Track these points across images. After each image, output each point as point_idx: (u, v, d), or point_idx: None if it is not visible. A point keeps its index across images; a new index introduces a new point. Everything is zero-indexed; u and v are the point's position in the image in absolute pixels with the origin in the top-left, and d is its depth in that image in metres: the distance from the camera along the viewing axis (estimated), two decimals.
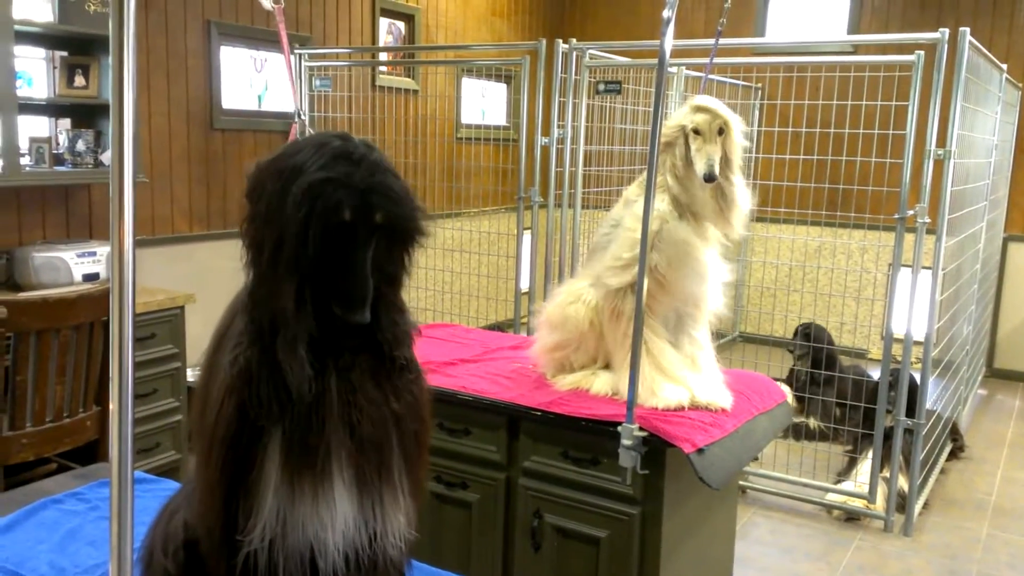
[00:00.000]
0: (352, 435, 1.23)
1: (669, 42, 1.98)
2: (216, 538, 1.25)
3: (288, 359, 1.18)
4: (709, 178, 2.20)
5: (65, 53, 3.72)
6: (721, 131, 2.25)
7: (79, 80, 3.68)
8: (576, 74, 4.26)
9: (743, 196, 2.31)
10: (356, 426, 1.22)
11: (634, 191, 2.42)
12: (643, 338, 2.14)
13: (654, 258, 2.22)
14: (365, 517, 1.25)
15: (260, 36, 4.74)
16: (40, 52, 3.79)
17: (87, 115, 3.77)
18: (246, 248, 1.21)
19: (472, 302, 5.14)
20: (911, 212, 3.53)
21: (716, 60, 2.80)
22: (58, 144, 3.73)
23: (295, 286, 1.17)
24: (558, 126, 4.24)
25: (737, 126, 2.28)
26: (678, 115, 2.32)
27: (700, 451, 2.12)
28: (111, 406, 0.99)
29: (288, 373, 1.18)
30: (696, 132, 2.24)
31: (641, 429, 2.09)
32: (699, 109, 2.26)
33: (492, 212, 5.96)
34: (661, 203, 2.28)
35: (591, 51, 4.33)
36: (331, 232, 1.15)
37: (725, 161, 2.27)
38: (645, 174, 2.07)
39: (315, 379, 1.20)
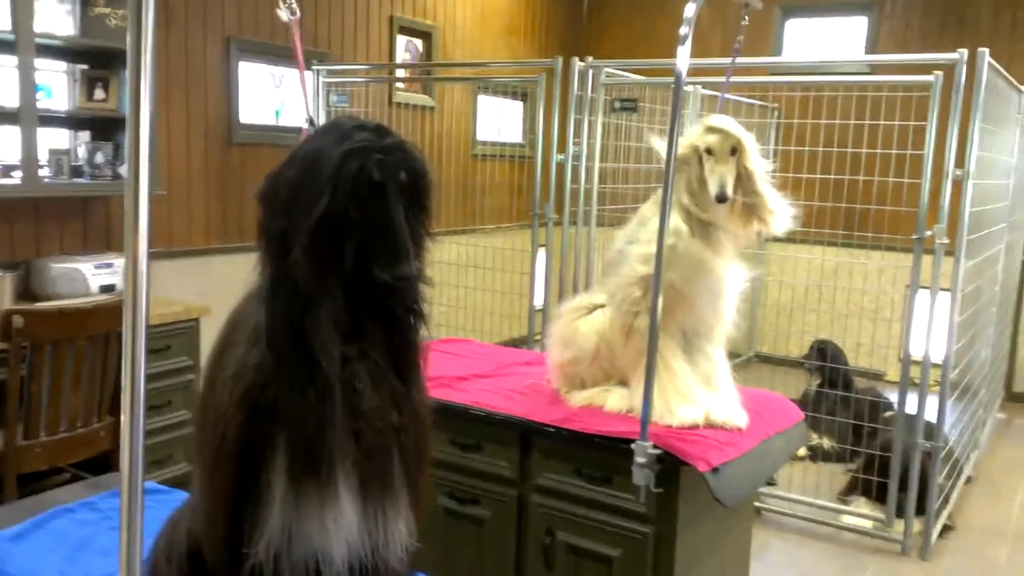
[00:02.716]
0: (357, 443, 1.22)
1: (685, 61, 1.98)
2: (220, 551, 1.24)
3: (318, 340, 1.19)
4: (721, 199, 2.19)
5: (86, 66, 3.76)
6: (734, 151, 2.24)
7: (99, 93, 3.72)
8: (592, 92, 4.27)
9: (777, 202, 2.29)
10: (360, 434, 1.22)
11: (648, 209, 2.41)
12: (658, 355, 2.12)
13: (669, 275, 2.21)
14: (368, 527, 1.24)
15: (279, 52, 4.77)
16: (61, 65, 3.83)
17: (106, 128, 3.81)
18: (265, 243, 1.22)
19: (486, 318, 5.13)
20: (929, 233, 3.50)
21: (733, 79, 2.79)
22: (77, 156, 3.76)
23: (325, 262, 1.18)
24: (573, 143, 4.24)
25: (751, 145, 2.27)
26: (691, 135, 2.31)
27: (715, 470, 2.10)
28: (122, 417, 0.98)
29: (319, 352, 1.18)
30: (709, 152, 2.24)
31: (655, 447, 2.06)
32: (711, 130, 2.25)
33: (507, 229, 5.97)
34: (676, 220, 2.27)
35: (607, 69, 4.33)
36: (364, 193, 1.18)
37: (748, 177, 2.25)
38: (660, 192, 2.06)
39: (324, 386, 1.20)
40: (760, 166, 2.28)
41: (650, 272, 2.12)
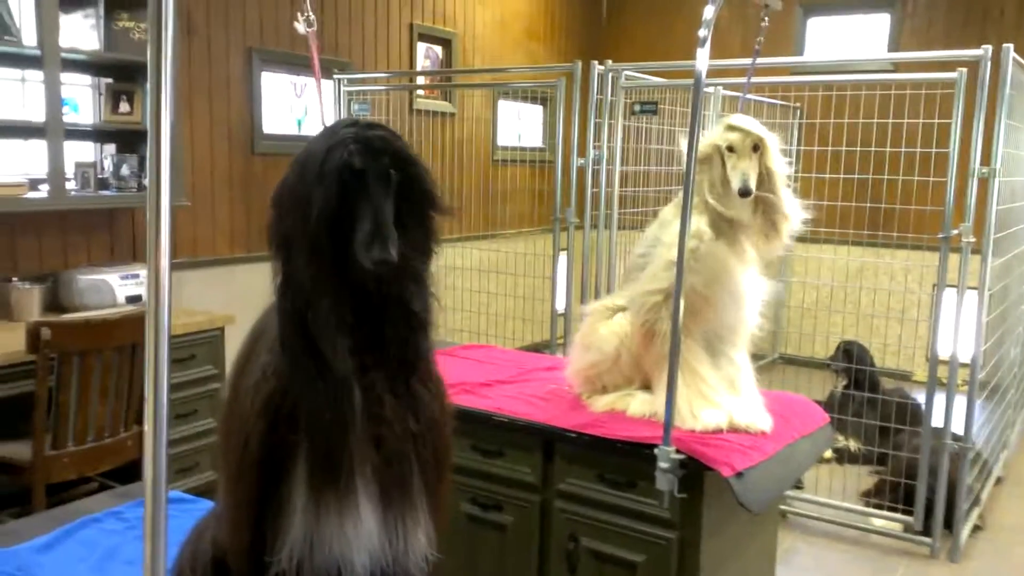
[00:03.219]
0: (378, 449, 1.22)
1: (705, 62, 1.97)
2: (244, 559, 1.25)
3: (323, 336, 1.19)
4: (744, 192, 2.18)
5: (110, 80, 3.81)
6: (756, 148, 2.23)
7: (124, 106, 3.76)
8: (612, 95, 4.26)
9: (793, 208, 2.28)
10: (381, 440, 1.22)
11: (669, 211, 2.40)
12: (681, 359, 2.11)
13: (690, 278, 2.20)
14: (389, 535, 1.24)
15: (300, 62, 4.81)
16: (86, 79, 3.88)
17: (131, 140, 3.85)
18: (274, 248, 1.23)
19: (508, 323, 5.13)
20: (955, 231, 3.46)
21: (754, 80, 2.78)
22: (103, 169, 3.81)
23: (322, 258, 1.19)
24: (594, 147, 4.23)
25: (772, 142, 2.26)
26: (712, 134, 2.31)
27: (739, 474, 2.08)
28: (146, 427, 0.99)
29: (325, 348, 1.19)
30: (730, 150, 2.23)
31: (678, 452, 2.05)
32: (732, 128, 2.25)
33: (528, 233, 5.96)
34: (698, 222, 2.26)
35: (627, 72, 4.32)
36: (346, 183, 1.19)
37: (767, 176, 2.25)
38: (681, 194, 2.05)
39: (341, 387, 1.20)
40: (781, 168, 2.27)
41: (672, 276, 2.12)
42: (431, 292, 1.28)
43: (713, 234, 2.27)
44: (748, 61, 2.76)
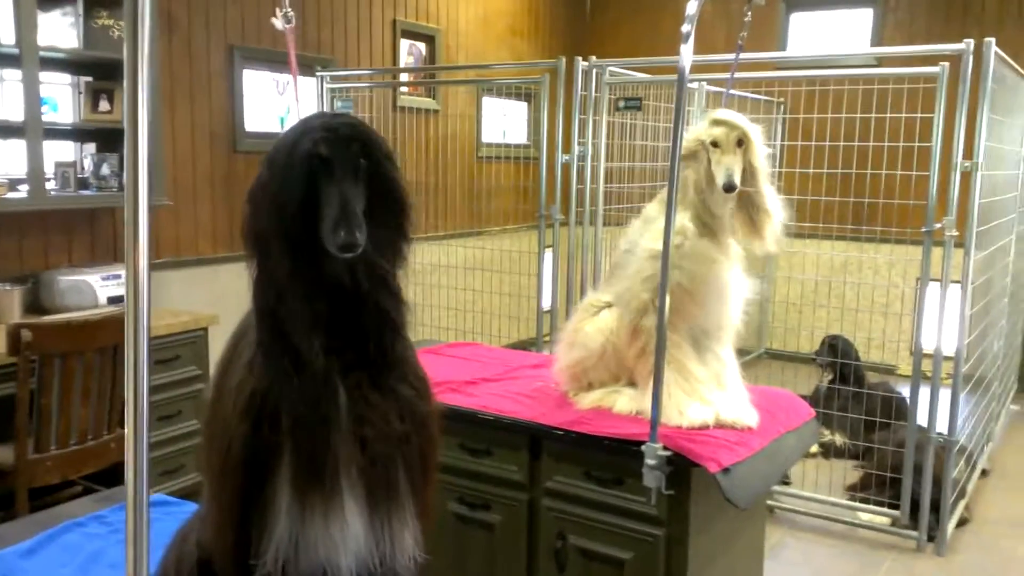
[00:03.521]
0: (363, 450, 1.21)
1: (688, 57, 1.97)
2: (229, 562, 1.24)
3: (297, 332, 1.18)
4: (728, 188, 2.18)
5: (90, 78, 3.77)
6: (741, 143, 2.23)
7: (103, 105, 3.73)
8: (596, 91, 4.25)
9: (775, 205, 2.28)
10: (366, 441, 1.21)
11: (653, 208, 2.40)
12: (667, 356, 2.11)
13: (675, 275, 2.19)
14: (376, 537, 1.23)
15: (282, 59, 4.77)
16: (66, 78, 3.84)
17: (112, 139, 3.81)
18: (249, 244, 1.22)
19: (494, 321, 5.12)
20: (938, 225, 3.47)
21: (737, 75, 2.78)
22: (83, 168, 3.77)
23: (294, 251, 1.18)
24: (578, 143, 4.23)
25: (757, 136, 2.26)
26: (696, 129, 2.30)
27: (726, 470, 2.08)
28: (126, 430, 0.98)
29: (300, 344, 1.18)
30: (715, 145, 2.23)
31: (665, 448, 2.05)
32: (717, 122, 2.25)
33: (513, 230, 5.95)
34: (682, 219, 2.25)
35: (611, 68, 4.32)
36: (315, 172, 1.19)
37: (751, 172, 2.24)
38: (665, 191, 2.05)
39: (323, 386, 1.19)
40: (764, 164, 2.27)
41: (656, 273, 2.11)
42: (400, 287, 1.27)
43: (697, 231, 2.26)
44: (732, 56, 2.76)
